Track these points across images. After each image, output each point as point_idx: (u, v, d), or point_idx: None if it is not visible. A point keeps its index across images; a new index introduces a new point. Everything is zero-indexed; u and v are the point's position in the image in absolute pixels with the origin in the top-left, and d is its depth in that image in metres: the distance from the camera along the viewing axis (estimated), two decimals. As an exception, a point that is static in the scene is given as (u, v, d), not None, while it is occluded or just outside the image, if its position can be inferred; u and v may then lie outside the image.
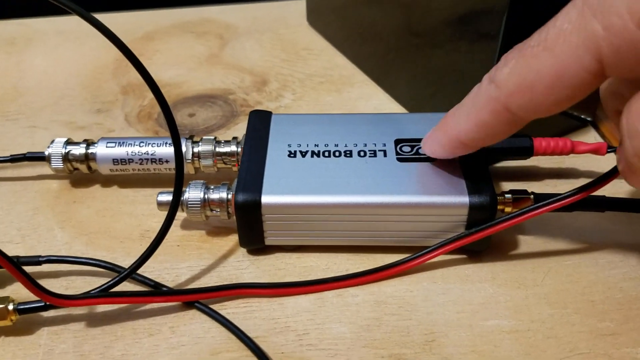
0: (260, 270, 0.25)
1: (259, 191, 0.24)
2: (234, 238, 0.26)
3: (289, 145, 0.26)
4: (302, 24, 0.43)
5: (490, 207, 0.23)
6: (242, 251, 0.26)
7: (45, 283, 0.21)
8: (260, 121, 0.28)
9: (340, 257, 0.25)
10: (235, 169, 0.28)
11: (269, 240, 0.25)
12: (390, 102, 0.35)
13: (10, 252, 0.22)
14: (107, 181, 0.29)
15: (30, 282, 0.20)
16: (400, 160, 0.25)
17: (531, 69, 0.17)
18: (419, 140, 0.25)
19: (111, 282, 0.22)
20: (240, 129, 0.33)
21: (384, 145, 0.26)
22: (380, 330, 0.22)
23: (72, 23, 0.43)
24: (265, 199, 0.23)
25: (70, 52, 0.40)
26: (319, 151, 0.26)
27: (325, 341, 0.22)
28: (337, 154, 0.25)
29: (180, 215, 0.27)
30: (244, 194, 0.23)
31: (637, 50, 0.15)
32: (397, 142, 0.26)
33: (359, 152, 0.25)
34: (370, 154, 0.25)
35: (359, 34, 0.38)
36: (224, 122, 0.34)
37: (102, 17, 0.20)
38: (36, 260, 0.24)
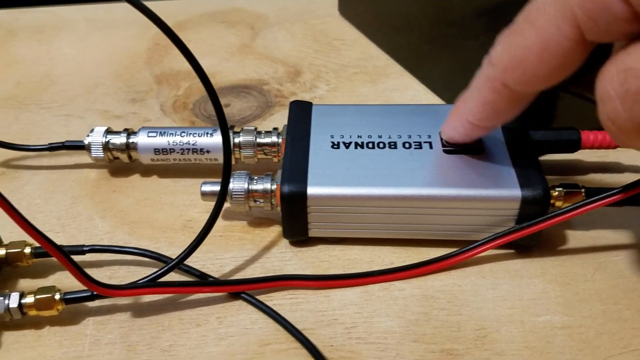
0: (304, 262, 0.24)
1: (304, 182, 0.23)
2: (275, 229, 0.26)
3: (332, 136, 0.26)
4: (332, 14, 0.42)
5: (543, 201, 0.22)
6: (285, 242, 0.25)
7: (93, 272, 0.21)
8: (301, 112, 0.27)
9: (384, 250, 0.25)
10: (275, 159, 0.28)
11: (312, 232, 0.24)
12: (427, 93, 0.34)
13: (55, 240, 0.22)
14: (147, 171, 0.29)
15: (79, 272, 0.20)
16: (446, 152, 0.24)
17: (519, 44, 0.18)
18: (465, 132, 0.25)
19: (159, 272, 0.22)
20: (275, 120, 0.33)
21: (429, 137, 0.25)
22: (429, 325, 0.22)
23: (101, 11, 0.43)
24: (311, 190, 0.23)
25: (100, 40, 0.40)
26: (362, 142, 0.25)
27: (374, 335, 0.22)
28: (381, 145, 0.25)
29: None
30: (290, 185, 0.23)
31: (608, 11, 0.16)
32: (443, 133, 0.25)
33: (403, 144, 0.25)
34: (415, 145, 0.25)
35: (392, 24, 0.37)
36: (259, 113, 0.33)
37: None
38: (80, 250, 0.23)
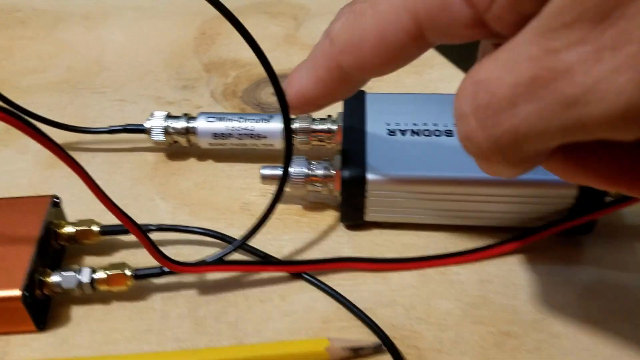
0: (360, 246, 0.25)
1: (363, 167, 0.24)
2: (330, 213, 0.27)
3: (387, 124, 0.26)
4: (373, 5, 0.43)
5: (599, 190, 0.23)
6: (340, 226, 0.26)
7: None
8: (355, 99, 0.28)
9: (438, 235, 0.25)
10: (329, 146, 0.28)
11: (369, 217, 0.25)
12: (472, 85, 0.35)
13: (116, 220, 0.23)
14: (202, 155, 0.30)
15: (154, 248, 0.21)
16: (502, 141, 0.25)
17: (359, 26, 0.17)
18: (520, 122, 0.26)
19: (226, 251, 0.23)
20: (325, 108, 0.33)
21: (484, 126, 0.26)
22: (487, 308, 0.22)
23: (146, 0, 0.44)
24: (370, 175, 0.24)
25: (148, 28, 0.41)
26: (418, 130, 0.26)
27: (433, 316, 0.22)
28: (437, 133, 0.26)
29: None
30: (350, 170, 0.24)
31: (448, 13, 0.14)
32: (497, 123, 0.26)
33: (460, 132, 0.25)
34: (471, 134, 0.25)
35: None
36: (307, 101, 0.34)
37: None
38: (147, 228, 0.24)
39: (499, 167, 0.15)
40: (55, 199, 0.24)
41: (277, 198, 0.23)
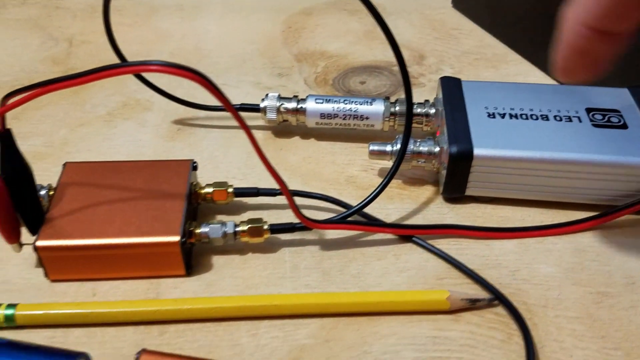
0: (460, 217, 0.28)
1: (470, 144, 0.26)
2: (429, 188, 0.29)
3: (486, 108, 0.29)
4: (445, 6, 0.46)
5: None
6: (440, 199, 0.29)
7: (278, 212, 0.25)
8: (452, 86, 0.30)
9: (532, 210, 0.28)
10: (425, 129, 0.31)
11: (469, 191, 0.28)
12: (548, 80, 0.37)
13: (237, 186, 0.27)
14: (305, 134, 0.33)
15: (296, 207, 0.24)
16: (595, 126, 0.27)
17: None
18: (609, 110, 0.28)
19: (349, 212, 0.25)
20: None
21: (577, 112, 0.28)
22: (584, 272, 0.25)
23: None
24: (477, 151, 0.26)
25: (239, 22, 0.44)
26: (515, 114, 0.28)
27: (536, 278, 0.25)
28: (533, 117, 0.28)
29: (379, 164, 0.30)
30: (458, 145, 0.26)
31: None
32: (588, 110, 0.28)
33: (554, 117, 0.28)
34: (565, 119, 0.28)
35: (505, 18, 0.40)
36: (393, 90, 0.37)
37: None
38: (273, 192, 0.27)
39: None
40: (194, 163, 0.27)
41: (395, 170, 0.26)
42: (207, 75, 0.20)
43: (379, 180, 0.30)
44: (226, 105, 0.21)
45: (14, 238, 0.23)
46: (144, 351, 0.19)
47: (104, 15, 0.29)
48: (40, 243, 0.23)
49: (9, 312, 0.22)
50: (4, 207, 0.22)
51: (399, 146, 0.28)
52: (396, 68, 0.39)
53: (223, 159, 0.31)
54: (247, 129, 0.22)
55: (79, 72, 0.19)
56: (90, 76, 0.19)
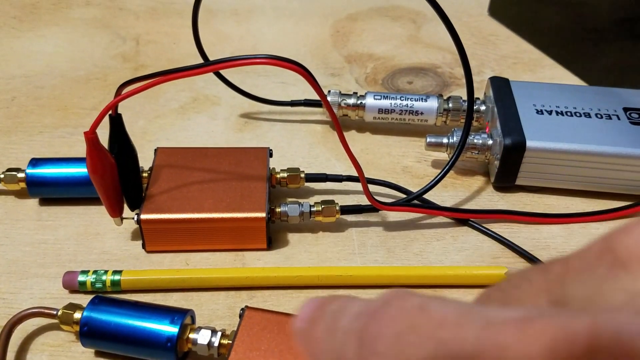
0: (510, 204, 0.30)
1: (523, 137, 0.29)
2: (480, 178, 0.32)
3: (534, 105, 0.31)
4: (482, 14, 0.48)
5: None
6: (490, 188, 0.31)
7: (343, 197, 0.28)
8: (502, 85, 0.33)
9: (575, 199, 0.30)
10: (475, 124, 0.34)
11: (519, 180, 0.30)
12: (581, 82, 0.40)
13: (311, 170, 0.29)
14: (361, 128, 0.35)
15: (369, 192, 0.26)
16: (632, 123, 0.30)
17: None
18: (645, 109, 0.31)
19: (412, 196, 0.28)
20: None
21: (615, 111, 0.31)
22: (626, 254, 0.27)
23: (284, 1, 0.50)
24: (530, 143, 0.29)
25: (290, 26, 0.47)
26: (561, 111, 0.31)
27: (582, 257, 0.27)
28: (577, 114, 0.31)
29: (433, 155, 0.33)
30: (512, 138, 0.29)
31: None
32: (626, 109, 0.31)
33: (596, 115, 0.31)
34: (605, 117, 0.31)
35: (539, 26, 0.43)
36: (439, 90, 0.40)
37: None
38: (339, 178, 0.30)
39: None
40: (270, 150, 0.30)
41: (455, 160, 0.29)
42: (307, 68, 0.23)
43: (433, 170, 0.32)
44: (320, 94, 0.23)
45: (117, 212, 0.26)
46: (247, 308, 0.22)
47: (192, 21, 0.32)
48: (144, 216, 0.26)
49: (116, 277, 0.25)
50: (112, 182, 0.25)
51: (454, 139, 0.31)
52: (440, 70, 0.42)
53: (288, 149, 0.34)
54: (334, 118, 0.24)
55: (194, 65, 0.22)
56: (205, 68, 0.22)
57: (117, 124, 0.25)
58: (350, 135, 0.35)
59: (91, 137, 0.23)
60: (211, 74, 0.35)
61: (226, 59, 0.22)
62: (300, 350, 0.14)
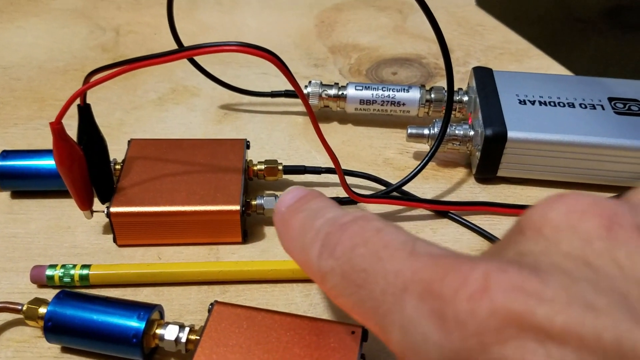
0: (492, 196, 0.30)
1: (504, 127, 0.29)
2: (462, 169, 0.31)
3: (517, 95, 0.31)
4: (469, 4, 0.48)
5: None
6: (472, 179, 0.31)
7: (321, 189, 0.27)
8: (485, 75, 0.33)
9: (559, 191, 0.30)
10: (458, 115, 0.33)
11: (501, 172, 0.30)
12: (568, 72, 0.39)
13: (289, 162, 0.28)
14: (342, 120, 0.35)
15: (346, 184, 0.26)
16: (616, 113, 0.30)
17: None
18: (629, 99, 0.30)
19: (391, 188, 0.28)
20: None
21: (600, 101, 0.30)
22: (608, 246, 0.27)
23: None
24: (511, 133, 0.28)
25: (273, 16, 0.46)
26: (544, 101, 0.30)
27: (563, 250, 0.27)
28: (561, 104, 0.30)
29: (414, 147, 0.32)
30: (493, 128, 0.29)
31: None
32: (610, 99, 0.30)
33: (580, 104, 0.30)
34: (590, 106, 0.30)
35: (527, 16, 0.42)
36: (424, 81, 0.39)
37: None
38: (318, 170, 0.29)
39: None
40: (247, 142, 0.29)
41: (434, 152, 0.28)
42: (278, 56, 0.23)
43: (414, 162, 0.32)
44: (292, 82, 0.23)
45: (87, 205, 0.26)
46: (217, 302, 0.21)
47: (167, 12, 0.31)
48: (114, 209, 0.25)
49: (84, 272, 0.25)
50: (81, 175, 0.25)
51: (435, 130, 0.30)
52: (425, 60, 0.41)
53: (268, 141, 0.33)
54: (308, 106, 0.24)
55: (162, 52, 0.22)
56: (174, 55, 0.21)
57: (85, 114, 0.24)
58: (332, 127, 0.34)
59: (57, 128, 0.23)
60: (190, 65, 0.34)
61: (196, 46, 0.21)
62: (275, 228, 0.18)
